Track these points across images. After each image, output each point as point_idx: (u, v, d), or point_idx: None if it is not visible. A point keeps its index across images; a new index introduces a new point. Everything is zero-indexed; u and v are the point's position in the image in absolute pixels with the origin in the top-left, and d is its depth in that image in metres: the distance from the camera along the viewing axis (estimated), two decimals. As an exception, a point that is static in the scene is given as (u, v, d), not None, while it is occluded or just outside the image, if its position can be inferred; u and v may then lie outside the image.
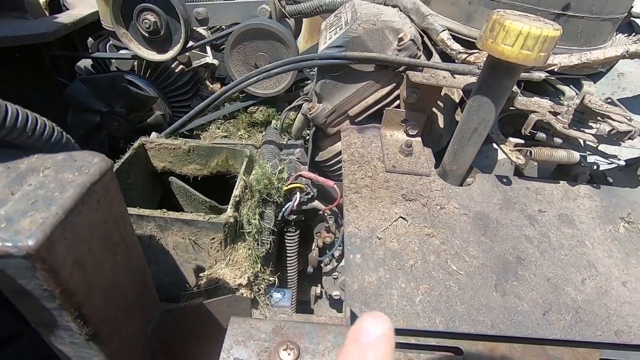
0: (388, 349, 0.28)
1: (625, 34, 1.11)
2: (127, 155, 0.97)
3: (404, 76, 0.88)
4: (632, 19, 1.55)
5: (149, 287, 0.57)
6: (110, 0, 1.21)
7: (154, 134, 1.09)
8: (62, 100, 1.46)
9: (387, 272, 0.63)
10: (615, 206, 0.80)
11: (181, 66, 1.51)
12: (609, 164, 0.84)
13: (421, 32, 0.98)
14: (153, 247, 0.82)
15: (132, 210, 0.78)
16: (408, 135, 0.90)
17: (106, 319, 0.46)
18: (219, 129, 1.42)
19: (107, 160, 0.42)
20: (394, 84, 0.92)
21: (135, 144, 1.01)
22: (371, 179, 0.79)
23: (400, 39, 0.87)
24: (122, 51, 1.46)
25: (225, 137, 1.40)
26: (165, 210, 0.80)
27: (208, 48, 1.61)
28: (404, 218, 0.71)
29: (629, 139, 0.75)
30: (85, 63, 1.53)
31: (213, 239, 0.80)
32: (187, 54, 1.49)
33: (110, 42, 1.50)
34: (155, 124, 1.45)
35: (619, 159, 0.81)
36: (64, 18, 1.49)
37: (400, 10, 1.09)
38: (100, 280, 0.43)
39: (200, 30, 1.51)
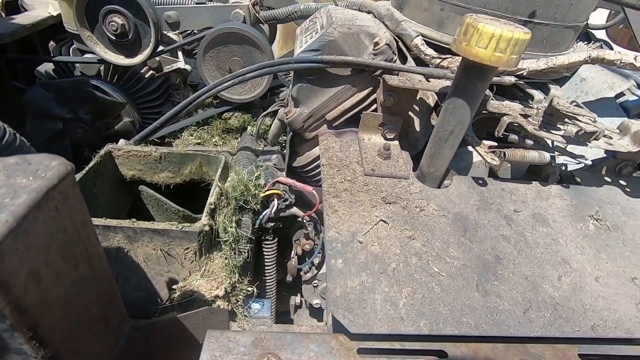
0: None
1: (585, 42, 1.17)
2: (92, 163, 0.92)
3: (381, 80, 0.88)
4: (588, 29, 1.65)
5: (115, 301, 0.53)
6: (74, 2, 1.15)
7: (122, 141, 1.04)
8: (20, 106, 1.37)
9: (370, 277, 0.61)
10: (584, 204, 0.82)
11: (151, 71, 1.46)
12: (577, 164, 0.88)
13: (395, 37, 0.99)
14: (121, 260, 0.77)
15: (98, 221, 0.73)
16: (386, 138, 0.90)
17: (67, 338, 0.41)
18: (192, 135, 1.38)
19: (67, 163, 0.38)
20: (370, 88, 0.92)
21: (102, 151, 0.96)
22: (350, 182, 0.78)
23: (376, 43, 0.88)
24: (87, 55, 1.39)
25: (198, 144, 1.36)
26: (134, 220, 0.76)
27: (180, 53, 1.57)
28: (384, 221, 0.71)
29: (594, 139, 0.78)
30: (46, 67, 1.45)
31: (187, 249, 0.76)
32: (157, 58, 1.44)
33: (74, 45, 1.43)
34: (124, 131, 1.39)
35: (585, 159, 0.84)
36: (21, 19, 1.41)
37: (375, 17, 1.11)
38: (60, 294, 0.39)
39: (171, 34, 1.47)
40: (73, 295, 0.42)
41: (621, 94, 1.01)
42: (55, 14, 1.44)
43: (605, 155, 0.93)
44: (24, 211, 0.32)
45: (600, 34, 2.13)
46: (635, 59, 0.81)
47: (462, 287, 0.62)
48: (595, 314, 0.62)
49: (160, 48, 1.32)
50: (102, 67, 1.39)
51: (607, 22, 2.16)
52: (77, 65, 1.41)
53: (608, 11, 2.28)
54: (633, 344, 0.63)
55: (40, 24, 1.43)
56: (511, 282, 0.65)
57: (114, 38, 1.20)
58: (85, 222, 0.42)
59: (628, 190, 0.87)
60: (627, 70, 0.87)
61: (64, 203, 0.38)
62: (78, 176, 0.82)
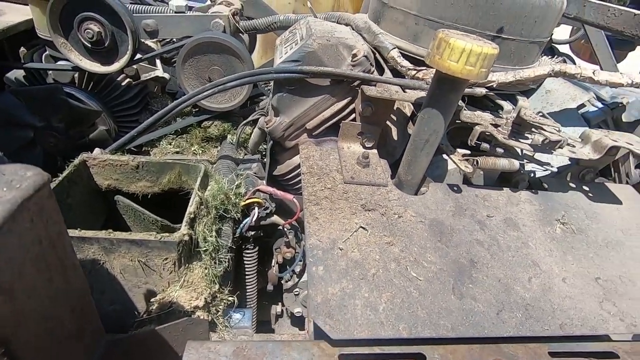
0: None
1: (549, 56, 1.25)
2: (66, 172, 0.89)
3: (359, 90, 0.91)
4: (552, 44, 1.75)
5: (91, 315, 0.52)
6: (47, 8, 1.12)
7: (97, 150, 1.01)
8: (-13, 114, 1.31)
9: (350, 283, 0.63)
10: (552, 209, 0.87)
11: (128, 79, 1.43)
12: (544, 171, 0.93)
13: (373, 49, 1.02)
14: (96, 272, 0.75)
15: (72, 232, 0.70)
16: (364, 147, 0.93)
17: (40, 353, 0.40)
18: (170, 144, 1.36)
19: (43, 174, 0.38)
20: (349, 98, 0.94)
21: (76, 161, 0.93)
22: (330, 190, 0.79)
23: (354, 55, 0.91)
24: (60, 62, 1.35)
25: (177, 152, 1.34)
26: (111, 230, 0.74)
27: (158, 61, 1.56)
28: (364, 228, 0.72)
29: (559, 147, 0.83)
30: (16, 74, 1.40)
31: (166, 259, 0.75)
32: (134, 66, 1.42)
33: (47, 52, 1.39)
34: (99, 140, 1.35)
35: (552, 166, 0.89)
36: (-9, 25, 1.36)
37: (353, 29, 1.14)
38: (33, 308, 0.38)
39: (149, 42, 1.45)
40: (47, 310, 0.41)
41: (582, 105, 1.08)
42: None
43: (569, 162, 0.99)
44: (-2, 223, 0.31)
45: (564, 48, 2.27)
46: (593, 72, 0.87)
47: (439, 291, 0.64)
48: (563, 313, 0.66)
49: (138, 56, 1.30)
50: (76, 75, 1.36)
51: (570, 37, 2.30)
52: (50, 72, 1.37)
53: (571, 27, 2.43)
54: (597, 340, 0.67)
55: (10, 29, 1.39)
56: (485, 284, 0.67)
57: (89, 45, 1.18)
58: (61, 233, 0.42)
59: (590, 195, 0.93)
60: (587, 83, 0.93)
61: (39, 214, 0.37)
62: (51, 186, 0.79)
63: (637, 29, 1.17)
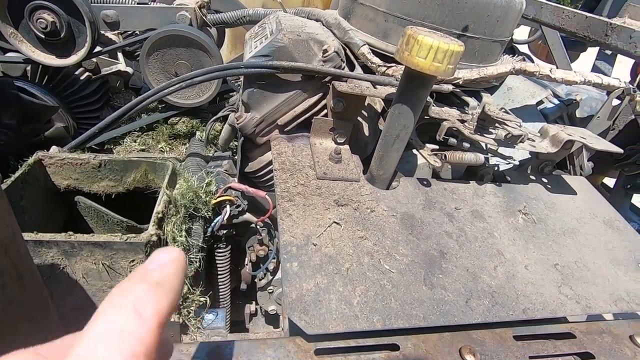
0: (176, 270, 0.26)
1: (510, 55, 1.31)
2: (19, 172, 0.83)
3: (330, 86, 0.91)
4: (513, 44, 1.83)
5: (52, 324, 0.48)
6: (-7, -5, 1.04)
7: (54, 148, 0.95)
8: None
9: (325, 278, 0.63)
10: (514, 201, 0.91)
11: (87, 73, 1.35)
12: (507, 164, 0.97)
13: (343, 45, 1.03)
14: (56, 278, 0.71)
15: (27, 236, 0.66)
16: (336, 143, 0.93)
17: (-7, 367, 0.37)
18: (135, 142, 1.30)
19: (-8, 172, 0.35)
20: (320, 94, 0.94)
21: (31, 160, 0.87)
22: (303, 186, 0.79)
23: (325, 51, 0.90)
24: (9, 54, 1.25)
25: (143, 150, 1.28)
26: (71, 233, 0.70)
27: (120, 55, 1.48)
28: (337, 223, 0.72)
29: (520, 142, 0.87)
30: (-42, 66, 1.29)
31: (132, 261, 0.72)
32: (94, 60, 1.34)
33: (-6, 43, 1.28)
34: (56, 137, 1.27)
35: (514, 160, 0.94)
36: None
37: (323, 25, 1.14)
38: (-16, 320, 0.35)
39: (110, 35, 1.38)
40: (0, 320, 0.38)
41: (541, 102, 1.14)
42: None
43: (529, 156, 1.04)
44: (-60, 227, 0.29)
45: (523, 48, 2.39)
46: (550, 71, 0.92)
47: (411, 282, 0.66)
48: (526, 298, 0.69)
49: (98, 49, 1.23)
50: (28, 68, 1.26)
51: (528, 37, 2.43)
52: (-2, 64, 1.27)
53: (529, 28, 2.56)
54: (557, 323, 0.71)
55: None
56: (454, 274, 0.70)
57: (43, 36, 1.10)
58: (13, 236, 0.39)
59: (549, 186, 0.98)
60: (545, 80, 0.98)
61: (-12, 216, 0.34)
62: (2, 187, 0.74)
63: (588, 30, 1.25)
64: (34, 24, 1.07)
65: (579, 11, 1.22)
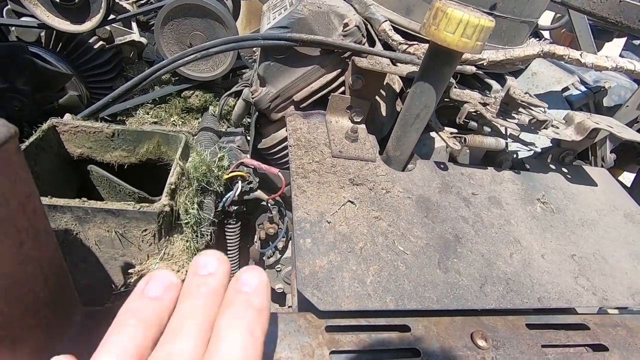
0: (267, 293, 0.32)
1: (537, 39, 1.25)
2: (33, 137, 0.83)
3: (349, 62, 0.88)
4: (537, 30, 1.76)
5: (66, 284, 0.49)
6: (8, -44, 1.01)
7: (68, 116, 0.94)
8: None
9: (338, 256, 0.62)
10: (533, 189, 0.89)
11: (101, 42, 1.33)
12: (528, 151, 0.94)
13: (364, 20, 0.99)
14: (70, 243, 0.71)
15: (42, 200, 0.66)
16: (353, 121, 0.91)
17: (9, 324, 0.37)
18: (147, 114, 1.29)
19: (9, 126, 0.34)
20: (339, 70, 0.91)
21: (45, 126, 0.87)
22: (318, 164, 0.78)
23: (346, 25, 0.87)
24: (24, 18, 1.24)
25: (155, 123, 1.28)
26: (85, 199, 0.70)
27: (134, 24, 1.45)
28: (352, 202, 0.71)
29: (544, 128, 0.84)
30: (-27, 30, 1.27)
31: (145, 230, 0.72)
32: (108, 28, 1.32)
33: (8, 6, 1.26)
34: (69, 106, 1.26)
35: (535, 147, 0.91)
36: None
37: (344, -1, 1.10)
38: (2, 275, 0.35)
39: (124, 3, 1.35)
40: (17, 277, 0.38)
41: (566, 88, 1.09)
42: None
43: (550, 144, 1.01)
44: (-43, 177, 0.28)
45: (545, 35, 2.30)
46: (580, 55, 0.88)
47: (425, 265, 0.65)
48: (541, 287, 0.68)
49: (112, 16, 1.20)
50: (43, 33, 1.24)
51: (551, 24, 2.33)
52: (12, 28, 1.25)
53: (553, 14, 2.46)
54: (571, 314, 0.70)
55: (-36, -21, 1.25)
56: (469, 259, 0.68)
57: (57, 1, 1.08)
58: (30, 194, 0.38)
59: (569, 176, 0.95)
60: (573, 66, 0.94)
61: (5, 171, 0.33)
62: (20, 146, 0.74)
63: (620, 15, 1.19)
64: (48, -13, 1.05)
65: (614, -6, 1.15)
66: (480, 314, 0.63)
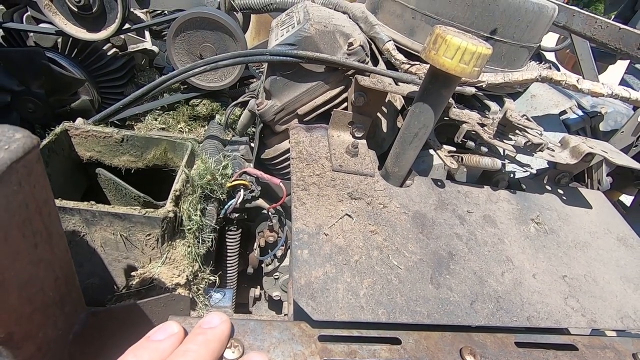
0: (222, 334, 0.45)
1: (537, 62, 1.29)
2: (46, 140, 0.86)
3: (353, 80, 0.91)
4: (541, 51, 1.80)
5: (74, 285, 0.51)
6: (31, -34, 1.06)
7: (79, 120, 0.98)
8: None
9: (333, 267, 0.64)
10: (527, 209, 0.91)
11: (115, 49, 1.38)
12: (524, 172, 0.96)
13: (368, 39, 1.02)
14: (76, 244, 0.74)
15: (52, 202, 0.69)
16: (354, 137, 0.94)
17: (21, 320, 0.40)
18: (156, 120, 1.33)
19: (33, 137, 0.37)
20: (342, 87, 0.94)
21: (57, 129, 0.90)
22: (319, 176, 0.80)
23: (350, 44, 0.91)
24: (42, 24, 1.28)
25: (163, 129, 1.31)
26: (93, 202, 0.72)
27: (147, 33, 1.50)
28: (349, 215, 0.74)
29: (540, 150, 0.87)
30: (-7, 34, 1.32)
31: (149, 235, 0.75)
32: (122, 36, 1.37)
33: (28, 12, 1.31)
34: (81, 110, 1.30)
35: (531, 168, 0.93)
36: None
37: (350, 17, 1.14)
38: (17, 274, 0.37)
39: (138, 12, 1.40)
40: (30, 277, 0.40)
41: (564, 112, 1.12)
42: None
43: (547, 166, 1.03)
44: (-13, 183, 0.31)
45: (550, 56, 2.34)
46: (577, 81, 0.90)
47: (417, 280, 0.67)
48: (531, 306, 0.70)
49: (127, 26, 1.25)
50: (59, 40, 1.29)
51: (556, 45, 2.37)
52: (31, 34, 1.30)
53: (558, 35, 2.50)
54: (560, 334, 0.71)
55: (-12, -15, 1.30)
56: (461, 276, 0.70)
57: (76, 10, 1.12)
58: (47, 199, 0.41)
59: (564, 198, 0.97)
60: (570, 90, 0.97)
61: (27, 178, 0.36)
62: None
63: (620, 42, 1.22)
64: (68, -3, 1.10)
65: (613, 22, 1.19)
66: (471, 331, 0.65)
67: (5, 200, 0.33)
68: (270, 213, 1.09)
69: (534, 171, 0.93)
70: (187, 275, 0.77)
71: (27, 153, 0.35)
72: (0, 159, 0.32)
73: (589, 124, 1.11)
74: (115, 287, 0.78)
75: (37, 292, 0.42)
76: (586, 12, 1.29)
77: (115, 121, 1.26)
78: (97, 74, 1.33)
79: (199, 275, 0.82)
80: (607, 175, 1.10)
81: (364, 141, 0.94)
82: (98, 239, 0.74)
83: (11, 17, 1.32)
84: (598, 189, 1.07)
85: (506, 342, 0.65)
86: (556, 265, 0.80)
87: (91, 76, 1.32)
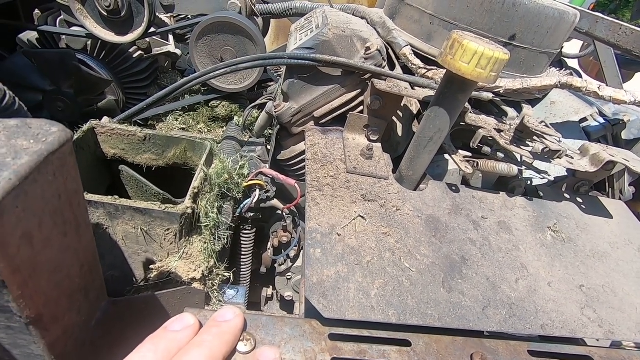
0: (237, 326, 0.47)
1: (557, 69, 1.27)
2: (74, 137, 0.90)
3: (369, 83, 0.92)
4: (562, 57, 1.77)
5: (97, 274, 0.54)
6: (66, -27, 1.12)
7: (105, 118, 1.02)
8: (-4, 73, 1.31)
9: (345, 267, 0.65)
10: (544, 217, 0.90)
11: (140, 52, 1.43)
12: (541, 179, 0.95)
13: (386, 44, 1.03)
14: (99, 237, 0.77)
15: (79, 195, 0.72)
16: (369, 140, 0.94)
17: (49, 303, 0.42)
18: (177, 120, 1.37)
19: (67, 131, 0.40)
20: (359, 90, 0.96)
21: (85, 127, 0.94)
22: (333, 178, 0.81)
23: (368, 48, 0.92)
24: (74, 28, 1.35)
25: (183, 129, 1.35)
26: (116, 197, 0.76)
27: (170, 37, 1.56)
28: (362, 217, 0.74)
29: (558, 157, 0.86)
30: (29, 36, 1.40)
31: (168, 230, 0.77)
32: (147, 39, 1.42)
33: (62, 16, 1.38)
34: (107, 109, 1.36)
35: (549, 175, 0.91)
36: (7, -15, 1.35)
37: (368, 23, 1.15)
38: (48, 260, 0.40)
39: (164, 17, 1.45)
40: (59, 262, 0.43)
41: (584, 119, 1.10)
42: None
43: (566, 173, 1.01)
44: (26, 172, 0.33)
45: (573, 63, 2.29)
46: (599, 88, 0.89)
47: (429, 283, 0.67)
48: (545, 314, 0.69)
49: (152, 30, 1.30)
50: (89, 42, 1.36)
51: (580, 52, 2.32)
52: (63, 37, 1.37)
53: (582, 42, 2.44)
54: (575, 344, 0.70)
55: (25, -10, 1.38)
56: (474, 281, 0.70)
57: (105, 14, 1.18)
58: (77, 191, 0.44)
59: (583, 207, 0.95)
60: (591, 97, 0.95)
61: (61, 169, 0.39)
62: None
63: (646, 49, 1.19)
64: (98, 1, 1.15)
65: (638, 29, 1.16)
66: (482, 336, 0.65)
67: (40, 189, 0.36)
68: (284, 213, 1.11)
69: (552, 178, 0.92)
70: (202, 271, 0.79)
71: (61, 146, 0.38)
72: (37, 150, 0.35)
73: (610, 131, 1.08)
74: (134, 279, 0.81)
75: (65, 278, 0.45)
76: (610, 19, 1.27)
77: (138, 120, 1.30)
78: (122, 75, 1.39)
79: (214, 271, 0.84)
80: (630, 185, 1.07)
81: (379, 144, 0.95)
82: (120, 232, 0.77)
83: (46, 20, 1.39)
84: (620, 198, 1.04)
85: (519, 350, 0.64)
86: (573, 275, 0.78)
87: (117, 77, 1.37)
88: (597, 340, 0.73)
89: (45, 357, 0.43)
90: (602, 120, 1.10)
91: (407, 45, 1.00)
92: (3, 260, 0.32)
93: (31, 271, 0.37)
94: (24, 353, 0.42)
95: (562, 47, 1.23)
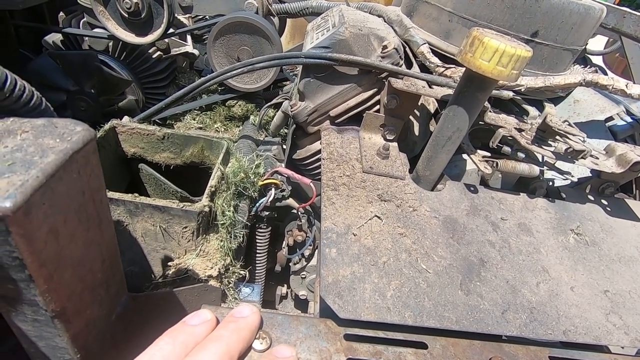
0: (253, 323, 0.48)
1: (582, 66, 1.22)
2: (96, 136, 0.93)
3: (386, 82, 0.91)
4: (586, 54, 1.71)
5: (118, 269, 0.55)
6: (89, -24, 1.16)
7: (126, 118, 1.05)
8: (24, 74, 1.36)
9: (361, 267, 0.64)
10: (567, 219, 0.87)
11: (159, 52, 1.46)
12: (564, 180, 0.92)
13: (403, 42, 1.02)
14: (120, 233, 0.79)
15: (101, 193, 0.74)
16: (385, 139, 0.94)
17: (73, 297, 0.43)
18: (194, 119, 1.39)
19: (91, 130, 0.41)
20: (375, 89, 0.95)
21: (107, 126, 0.97)
22: (349, 177, 0.81)
23: (385, 47, 0.91)
24: (96, 30, 1.39)
25: (200, 128, 1.37)
26: (136, 195, 0.77)
27: (188, 37, 1.58)
28: (378, 217, 0.74)
29: (582, 158, 0.83)
30: (54, 38, 1.45)
31: (185, 227, 0.78)
32: (166, 40, 1.45)
33: (85, 19, 1.42)
34: (127, 109, 1.39)
35: (572, 176, 0.89)
36: (34, -12, 1.39)
37: (385, 21, 1.14)
38: (72, 254, 0.41)
39: (182, 18, 1.48)
40: (82, 257, 0.44)
41: (610, 118, 1.06)
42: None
43: (590, 174, 0.98)
44: (52, 170, 0.34)
45: (597, 60, 2.21)
46: (626, 85, 0.85)
47: (446, 285, 0.66)
48: (568, 320, 0.67)
49: (171, 30, 1.32)
50: (110, 43, 1.39)
51: (604, 49, 2.24)
52: (86, 39, 1.41)
53: (606, 39, 2.36)
54: (599, 351, 0.67)
55: (51, -6, 1.43)
56: (493, 284, 0.68)
57: (126, 16, 1.21)
58: (100, 188, 0.45)
59: (608, 209, 0.92)
60: (618, 95, 0.92)
61: (85, 167, 0.40)
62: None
63: (677, 45, 1.14)
64: (120, 4, 1.18)
65: (669, 23, 1.11)
66: (501, 341, 0.63)
67: (66, 187, 0.37)
68: (299, 213, 1.11)
69: (575, 179, 0.89)
70: (219, 268, 0.80)
71: (85, 144, 0.39)
72: (63, 149, 0.36)
73: (638, 131, 1.04)
74: (152, 275, 0.82)
75: (87, 272, 0.46)
76: (638, 14, 1.22)
77: (157, 120, 1.33)
78: (142, 76, 1.42)
79: (230, 269, 0.85)
80: (659, 186, 1.03)
81: (396, 144, 0.94)
82: (139, 229, 0.78)
83: (70, 22, 1.44)
84: (648, 201, 1.00)
85: (539, 356, 0.62)
86: (597, 279, 0.75)
87: (137, 77, 1.41)
88: (622, 347, 0.70)
89: (68, 349, 0.44)
90: (629, 119, 1.06)
91: (424, 44, 0.98)
92: (30, 255, 0.33)
93: (56, 265, 0.38)
94: (49, 345, 0.43)
95: (587, 44, 1.19)
